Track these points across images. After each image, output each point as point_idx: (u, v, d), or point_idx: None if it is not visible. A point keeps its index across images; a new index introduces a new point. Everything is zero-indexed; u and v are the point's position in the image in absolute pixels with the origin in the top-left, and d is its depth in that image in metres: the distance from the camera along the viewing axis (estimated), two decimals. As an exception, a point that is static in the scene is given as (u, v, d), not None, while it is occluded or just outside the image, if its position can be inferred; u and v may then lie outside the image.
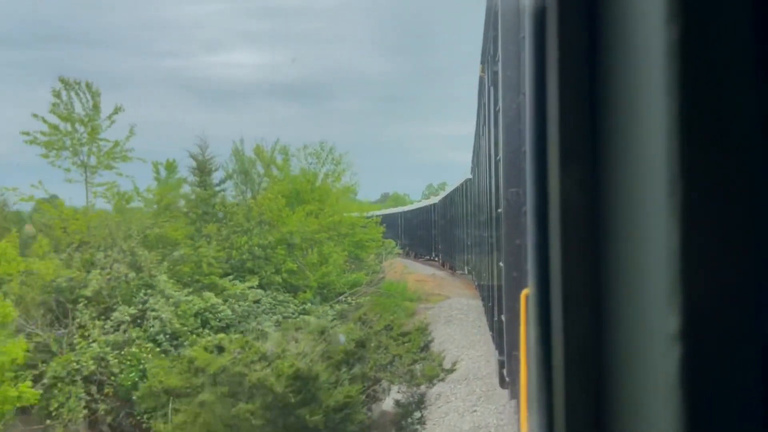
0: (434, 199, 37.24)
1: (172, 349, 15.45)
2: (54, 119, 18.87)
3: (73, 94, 18.98)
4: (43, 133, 18.83)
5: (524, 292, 4.36)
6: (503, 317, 6.03)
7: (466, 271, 23.04)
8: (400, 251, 45.16)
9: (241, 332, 15.59)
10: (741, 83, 0.58)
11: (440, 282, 28.62)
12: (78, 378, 14.38)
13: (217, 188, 21.09)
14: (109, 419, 14.39)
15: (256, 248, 19.59)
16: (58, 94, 18.86)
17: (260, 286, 18.63)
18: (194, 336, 15.63)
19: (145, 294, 16.55)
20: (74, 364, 14.54)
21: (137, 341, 15.29)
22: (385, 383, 11.73)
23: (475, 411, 12.70)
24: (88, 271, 16.50)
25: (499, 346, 6.82)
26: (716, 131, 0.58)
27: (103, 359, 14.81)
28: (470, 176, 18.92)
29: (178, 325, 15.81)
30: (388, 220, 50.67)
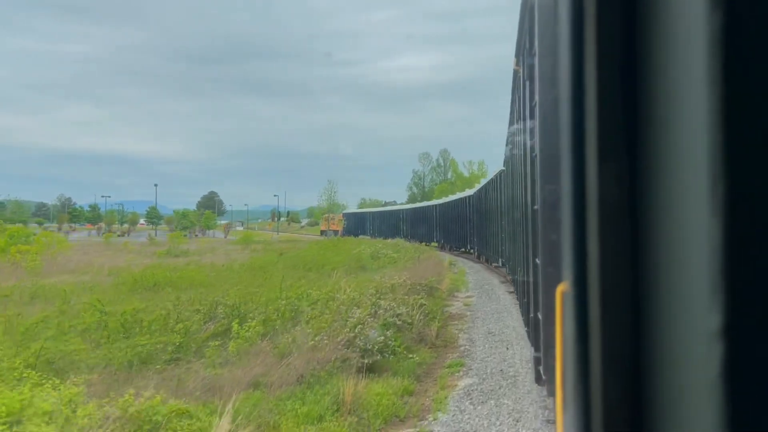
0: (469, 192, 36.90)
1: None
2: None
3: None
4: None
5: (559, 287, 4.32)
6: (539, 314, 5.99)
7: (501, 263, 22.87)
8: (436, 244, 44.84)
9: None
10: None
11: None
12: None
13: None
14: None
15: None
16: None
17: None
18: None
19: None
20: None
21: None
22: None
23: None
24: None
25: (536, 343, 6.78)
26: (761, 125, 0.56)
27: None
28: (503, 168, 18.67)
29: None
30: (424, 213, 50.64)
